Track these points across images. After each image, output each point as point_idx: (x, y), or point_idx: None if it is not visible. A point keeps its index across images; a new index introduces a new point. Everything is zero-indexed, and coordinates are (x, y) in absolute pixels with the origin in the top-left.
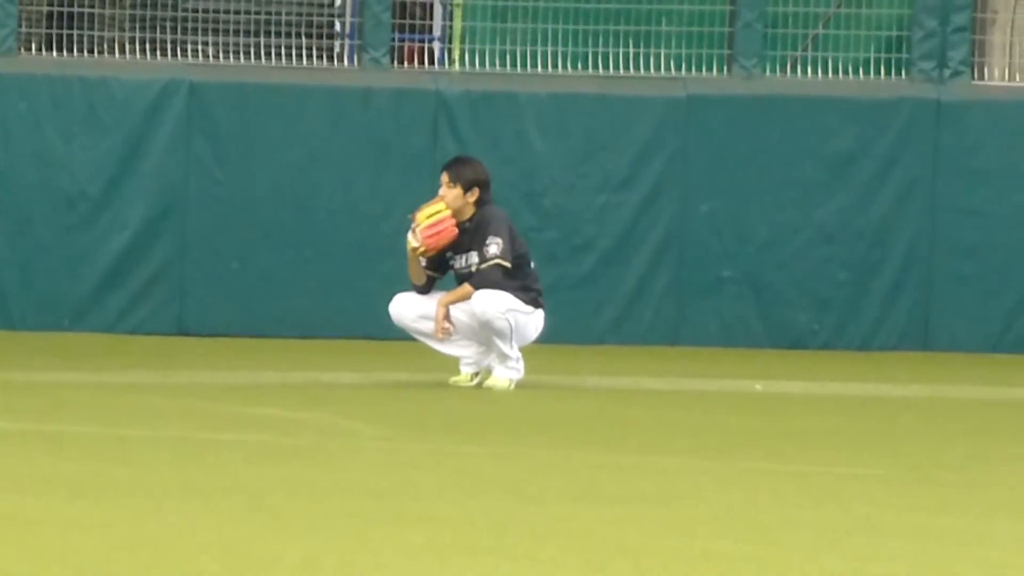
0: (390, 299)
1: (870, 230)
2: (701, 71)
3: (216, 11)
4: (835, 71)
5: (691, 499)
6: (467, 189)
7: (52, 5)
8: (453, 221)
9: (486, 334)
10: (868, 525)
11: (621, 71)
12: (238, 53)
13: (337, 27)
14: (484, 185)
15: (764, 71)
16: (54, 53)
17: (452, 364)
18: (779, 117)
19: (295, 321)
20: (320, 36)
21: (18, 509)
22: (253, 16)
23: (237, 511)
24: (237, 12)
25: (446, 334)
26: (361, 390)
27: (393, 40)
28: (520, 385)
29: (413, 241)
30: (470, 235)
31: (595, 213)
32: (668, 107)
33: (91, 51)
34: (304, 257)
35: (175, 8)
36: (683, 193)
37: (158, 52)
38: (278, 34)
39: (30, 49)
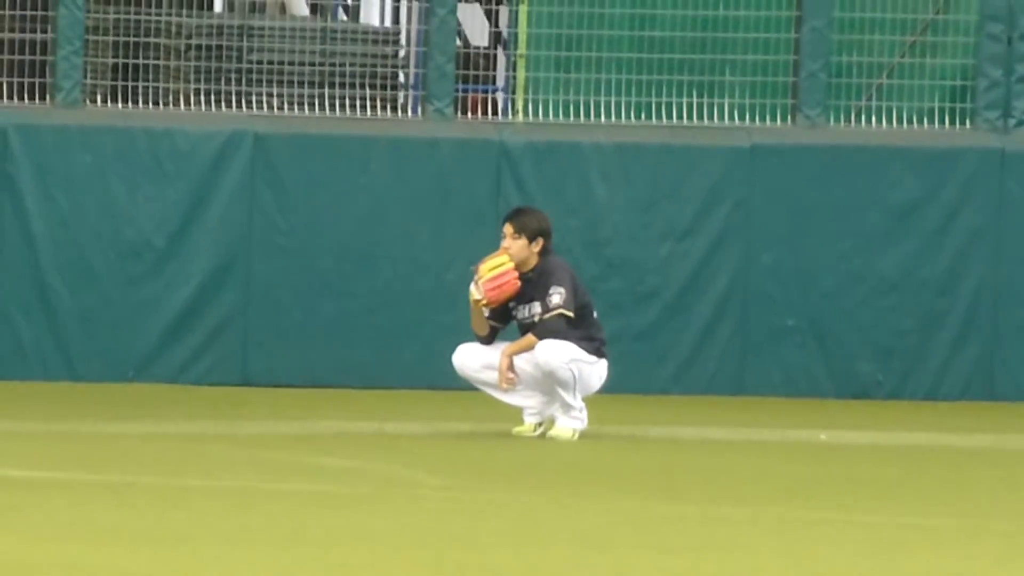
0: (453, 349)
1: (935, 279)
2: (765, 121)
3: (280, 63)
4: (899, 120)
5: (754, 548)
6: (532, 239)
7: (117, 57)
8: (516, 274)
9: (549, 384)
10: (931, 575)
11: (685, 121)
12: (302, 104)
13: (401, 78)
14: (548, 235)
15: (828, 120)
16: (119, 105)
17: (515, 414)
18: (843, 166)
19: (358, 371)
20: (384, 87)
21: (82, 559)
22: (317, 68)
23: (301, 560)
24: (301, 64)
25: (511, 384)
26: (424, 440)
27: (457, 91)
28: (583, 435)
29: (476, 294)
30: (533, 285)
31: (659, 263)
32: (732, 157)
33: (156, 103)
34: (368, 307)
35: (239, 60)
36: (747, 242)
37: (223, 103)
38: (342, 85)
39: (95, 101)
